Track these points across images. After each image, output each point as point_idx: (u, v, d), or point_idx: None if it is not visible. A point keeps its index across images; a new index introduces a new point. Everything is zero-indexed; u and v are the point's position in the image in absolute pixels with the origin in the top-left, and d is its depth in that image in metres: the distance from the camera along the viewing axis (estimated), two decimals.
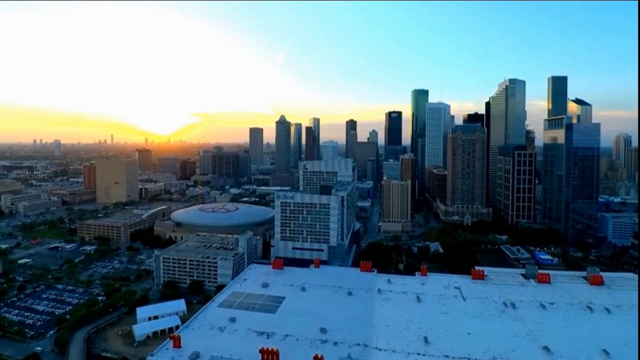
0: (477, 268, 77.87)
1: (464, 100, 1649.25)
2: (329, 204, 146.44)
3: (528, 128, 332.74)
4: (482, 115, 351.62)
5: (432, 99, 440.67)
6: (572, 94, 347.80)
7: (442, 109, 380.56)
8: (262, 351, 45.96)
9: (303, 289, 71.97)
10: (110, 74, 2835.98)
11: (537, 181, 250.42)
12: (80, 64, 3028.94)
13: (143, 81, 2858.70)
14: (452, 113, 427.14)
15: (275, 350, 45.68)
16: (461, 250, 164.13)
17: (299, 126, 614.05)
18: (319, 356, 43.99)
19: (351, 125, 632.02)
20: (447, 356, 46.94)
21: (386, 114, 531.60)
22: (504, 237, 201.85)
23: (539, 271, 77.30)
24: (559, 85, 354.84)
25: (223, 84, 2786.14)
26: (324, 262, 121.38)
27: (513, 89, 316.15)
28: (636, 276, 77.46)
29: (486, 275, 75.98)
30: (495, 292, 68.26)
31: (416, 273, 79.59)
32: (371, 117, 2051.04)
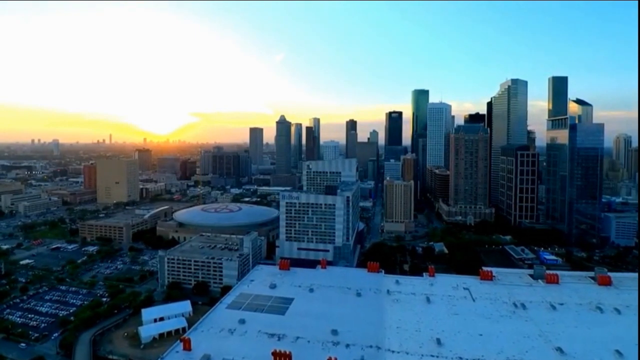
0: (485, 269, 77.48)
1: (462, 100, 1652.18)
2: (334, 204, 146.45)
3: (529, 128, 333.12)
4: (483, 115, 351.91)
5: (433, 99, 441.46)
6: (571, 94, 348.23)
7: (443, 109, 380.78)
8: (274, 354, 45.42)
9: (311, 290, 71.50)
10: (108, 74, 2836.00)
11: (538, 181, 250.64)
12: (79, 64, 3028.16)
13: (142, 81, 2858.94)
14: (452, 113, 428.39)
15: (287, 352, 45.17)
16: (466, 251, 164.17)
17: (299, 126, 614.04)
18: (333, 359, 43.60)
19: (351, 125, 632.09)
20: (460, 358, 46.48)
21: (386, 114, 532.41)
22: (507, 238, 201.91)
23: (547, 271, 77.04)
24: (559, 86, 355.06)
25: (222, 84, 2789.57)
26: (329, 263, 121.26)
27: (515, 89, 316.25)
28: None
29: (494, 276, 75.64)
30: (505, 293, 67.83)
31: (424, 274, 79.16)
32: (371, 117, 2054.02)
